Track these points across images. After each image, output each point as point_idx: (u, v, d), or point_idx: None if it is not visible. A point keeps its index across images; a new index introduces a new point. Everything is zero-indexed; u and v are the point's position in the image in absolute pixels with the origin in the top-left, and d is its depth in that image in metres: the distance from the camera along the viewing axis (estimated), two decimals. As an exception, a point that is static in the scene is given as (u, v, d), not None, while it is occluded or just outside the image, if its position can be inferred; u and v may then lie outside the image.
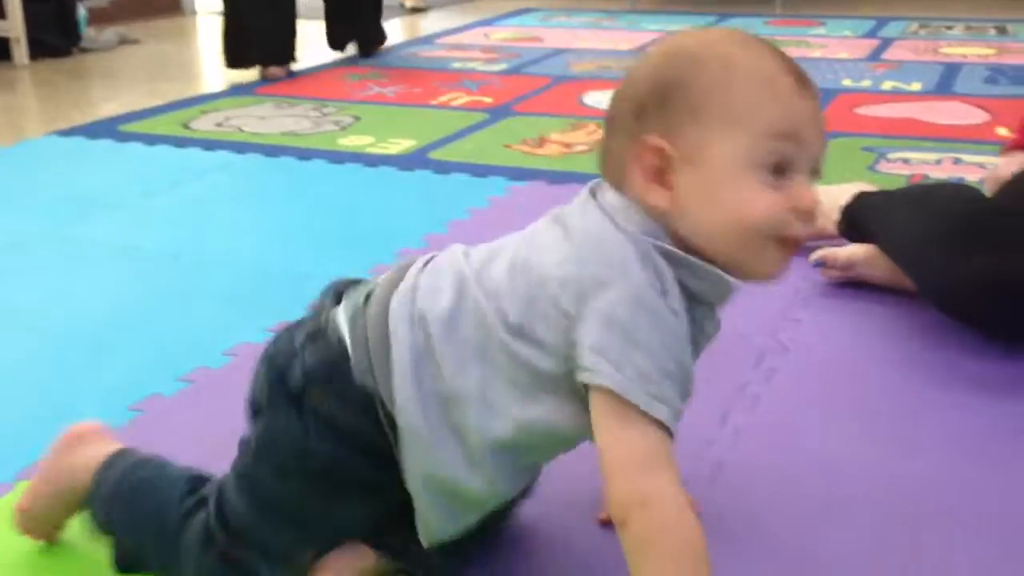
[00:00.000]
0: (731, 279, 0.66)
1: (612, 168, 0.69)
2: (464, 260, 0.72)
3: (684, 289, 0.65)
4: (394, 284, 0.73)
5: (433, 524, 0.72)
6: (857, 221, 1.33)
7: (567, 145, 2.10)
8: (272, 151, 2.09)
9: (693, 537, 0.63)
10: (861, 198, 1.35)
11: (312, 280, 1.47)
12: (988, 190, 1.26)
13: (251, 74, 2.90)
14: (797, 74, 0.67)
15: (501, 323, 0.66)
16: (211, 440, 1.01)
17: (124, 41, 3.60)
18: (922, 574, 0.80)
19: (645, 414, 0.62)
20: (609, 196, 0.68)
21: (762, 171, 0.64)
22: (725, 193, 0.65)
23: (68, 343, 1.25)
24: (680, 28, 3.17)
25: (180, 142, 2.18)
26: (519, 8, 4.28)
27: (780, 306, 1.29)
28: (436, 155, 2.05)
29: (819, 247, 1.36)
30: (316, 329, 0.73)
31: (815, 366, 1.14)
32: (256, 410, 0.76)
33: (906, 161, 1.89)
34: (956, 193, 1.19)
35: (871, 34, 3.41)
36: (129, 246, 1.58)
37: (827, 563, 0.81)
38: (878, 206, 1.30)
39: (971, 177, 1.66)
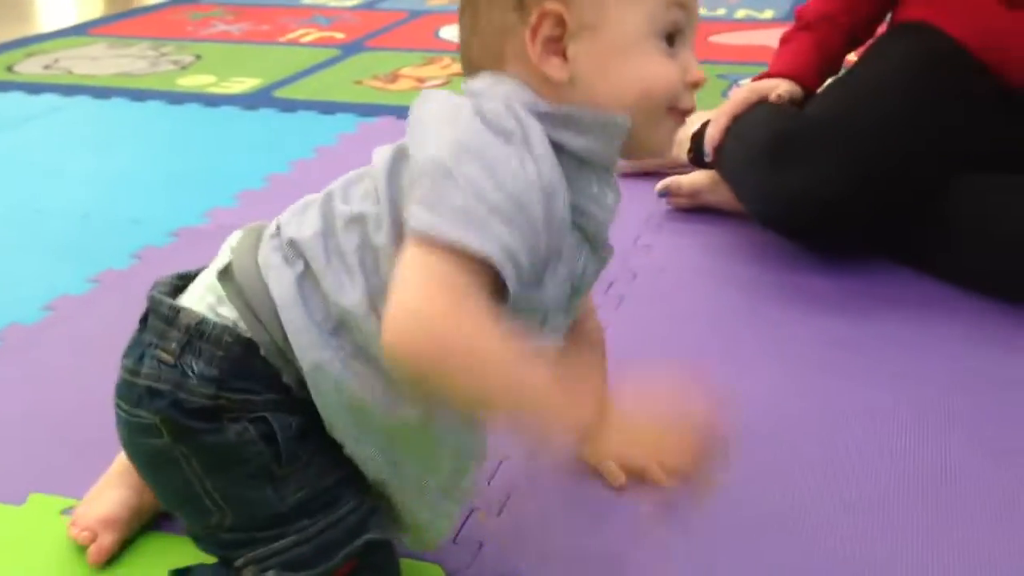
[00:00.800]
0: (622, 119, 0.61)
1: (482, 49, 0.63)
2: (329, 188, 0.65)
3: (570, 153, 0.61)
4: (253, 242, 0.65)
5: (406, 495, 0.65)
6: (703, 150, 1.32)
7: (420, 80, 2.04)
8: (104, 93, 1.95)
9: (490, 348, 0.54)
10: (707, 126, 1.33)
11: (143, 226, 1.39)
12: (712, 128, 1.26)
13: (82, 12, 2.71)
14: None
15: (374, 228, 0.61)
16: (25, 399, 0.93)
17: (-58, -19, 3.31)
18: (770, 483, 0.80)
19: (466, 253, 0.55)
20: (473, 81, 0.63)
21: (660, 39, 0.61)
22: (627, 62, 0.61)
23: None
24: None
25: (2, 87, 2.02)
26: (375, -57, 4.14)
27: (630, 234, 1.27)
28: (282, 93, 1.96)
29: (668, 175, 1.35)
30: (185, 338, 0.63)
31: (662, 291, 1.13)
32: (161, 460, 0.64)
33: (757, 87, 1.90)
34: (767, 113, 1.20)
35: (727, -35, 3.43)
36: (-62, 198, 1.45)
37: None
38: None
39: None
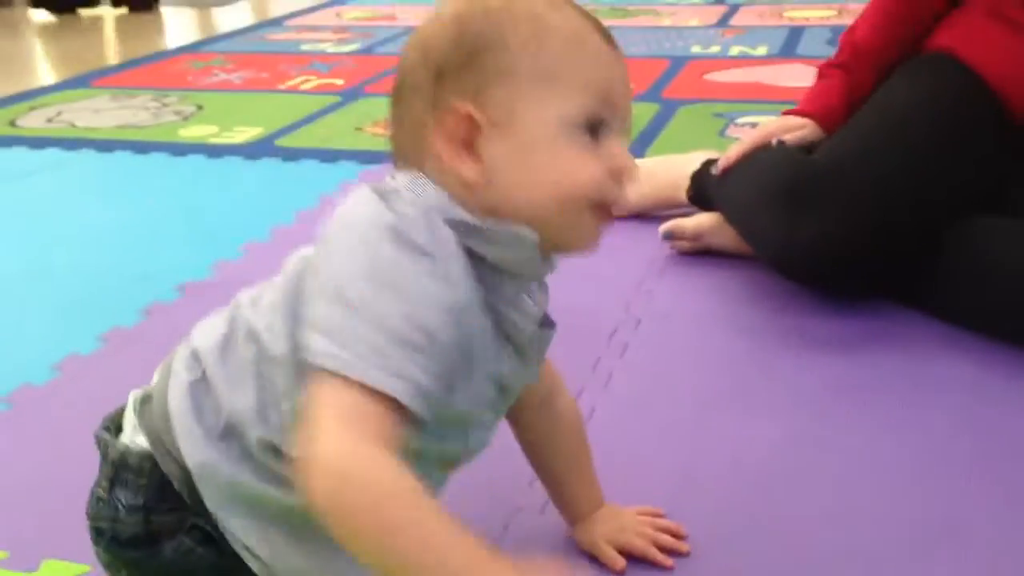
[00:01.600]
0: (529, 233, 0.59)
1: (406, 143, 0.63)
2: (239, 296, 0.66)
3: (486, 263, 0.59)
4: (169, 361, 0.67)
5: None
6: (703, 190, 1.34)
7: (420, 125, 2.06)
8: (107, 146, 1.97)
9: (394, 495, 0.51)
10: (706, 166, 1.35)
11: (150, 281, 1.40)
12: (736, 147, 1.28)
13: (85, 63, 2.73)
14: (603, 31, 0.63)
15: (271, 340, 0.61)
16: (34, 464, 0.94)
17: (-56, 35, 3.35)
18: (777, 532, 0.80)
19: (373, 390, 0.53)
20: (396, 178, 0.61)
21: (579, 133, 0.59)
22: (542, 159, 0.59)
23: None
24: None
25: (5, 141, 2.04)
26: (371, -14, 4.19)
27: (633, 279, 1.28)
28: (284, 142, 1.97)
29: (670, 217, 1.36)
30: (112, 472, 0.65)
31: (667, 338, 1.14)
32: None
33: (753, 125, 1.92)
34: (781, 157, 1.21)
35: (719, 0, 3.47)
36: (-55, 258, 1.46)
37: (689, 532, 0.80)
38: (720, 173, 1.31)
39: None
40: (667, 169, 1.44)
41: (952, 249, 1.10)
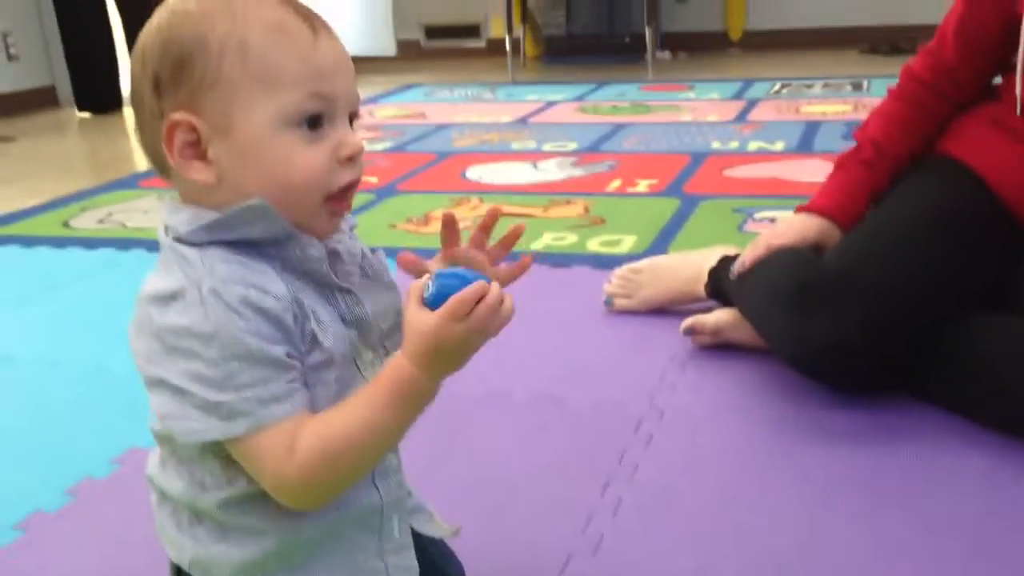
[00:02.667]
0: (256, 201, 0.63)
1: (151, 150, 0.66)
2: None
3: (248, 243, 0.63)
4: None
5: None
6: (720, 285, 1.41)
7: (451, 222, 2.15)
8: (156, 246, 2.07)
9: (339, 437, 0.62)
10: (723, 262, 1.42)
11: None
12: (751, 249, 1.33)
13: (130, 163, 2.88)
14: (311, 19, 0.65)
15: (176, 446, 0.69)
16: (99, 554, 1.00)
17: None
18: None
19: (235, 438, 0.62)
20: (166, 210, 0.67)
21: (296, 128, 0.63)
22: (264, 157, 0.63)
23: (-55, 464, 1.22)
24: (559, 97, 3.27)
25: (60, 242, 2.16)
26: (403, 85, 4.37)
27: (657, 372, 1.34)
28: (322, 240, 2.07)
29: (691, 312, 1.43)
30: None
31: (690, 430, 1.19)
32: None
33: (772, 220, 2.00)
34: (792, 258, 1.28)
35: (738, 96, 3.59)
36: (5, 356, 1.55)
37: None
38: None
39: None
40: (687, 265, 1.51)
41: (957, 346, 1.16)
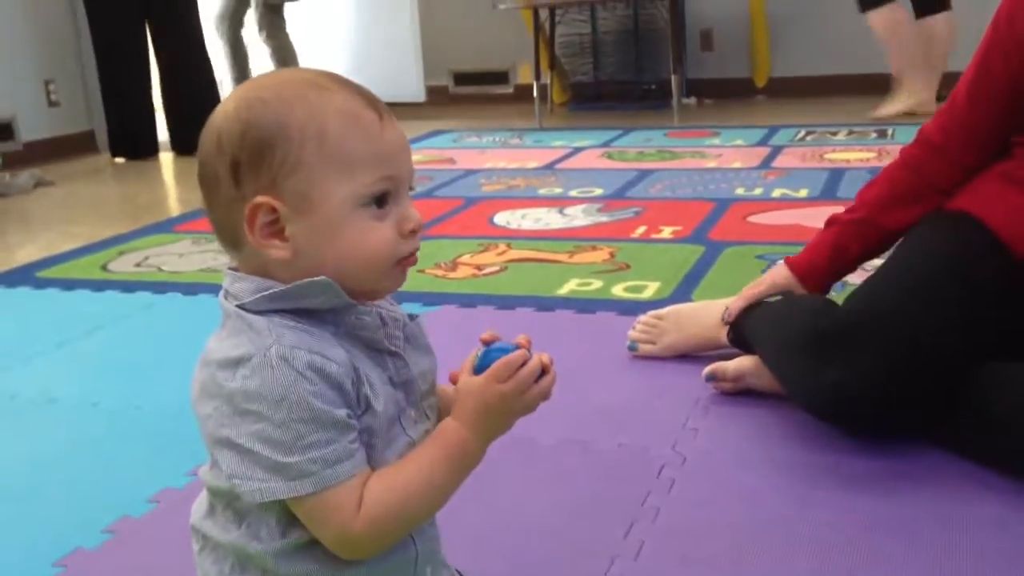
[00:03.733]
0: (322, 279, 0.68)
1: (224, 225, 0.71)
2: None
3: (308, 313, 0.68)
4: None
5: None
6: (741, 332, 1.44)
7: (478, 267, 2.20)
8: (191, 289, 2.14)
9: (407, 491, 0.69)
10: (745, 311, 1.45)
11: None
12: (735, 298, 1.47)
13: (166, 210, 2.95)
14: (377, 106, 0.71)
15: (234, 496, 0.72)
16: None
17: (39, 183, 3.64)
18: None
19: (298, 498, 0.66)
20: (228, 279, 0.71)
21: (367, 207, 0.69)
22: (339, 234, 0.68)
23: (-11, 501, 1.27)
24: (585, 144, 3.31)
25: (99, 285, 2.22)
26: (432, 130, 4.44)
27: (680, 418, 1.37)
28: (352, 285, 2.12)
29: (713, 359, 1.46)
30: None
31: (710, 474, 1.22)
32: None
33: (795, 266, 2.02)
34: (807, 306, 1.31)
35: (762, 142, 3.63)
36: (47, 397, 1.60)
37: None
38: (755, 319, 1.41)
39: (854, 279, 1.79)
40: (710, 313, 1.54)
41: (972, 396, 1.17)
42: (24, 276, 2.34)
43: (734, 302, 1.47)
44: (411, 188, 0.73)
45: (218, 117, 0.70)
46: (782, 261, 1.47)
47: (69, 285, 2.24)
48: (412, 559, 0.75)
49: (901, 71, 3.93)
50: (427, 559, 0.77)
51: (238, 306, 0.69)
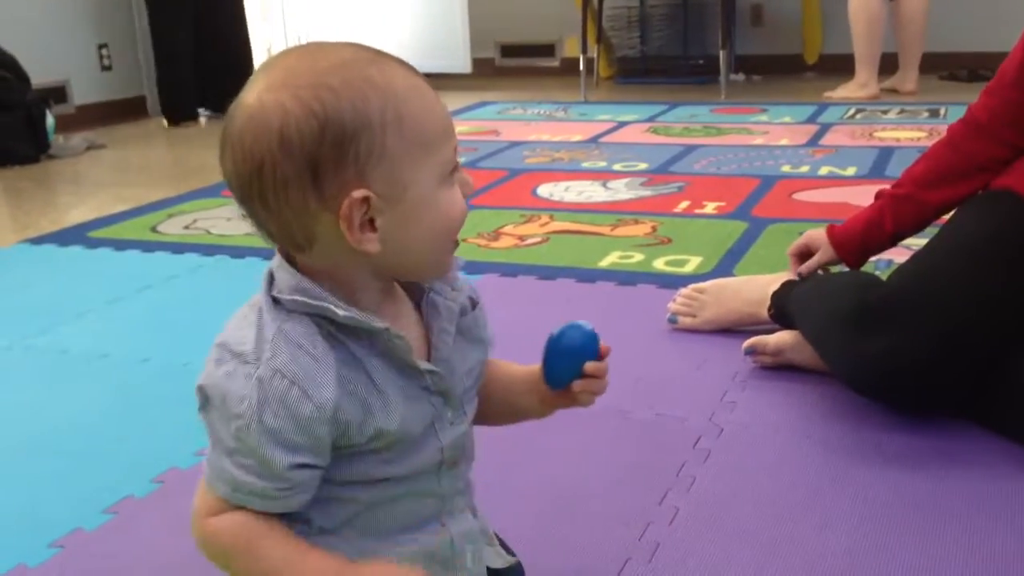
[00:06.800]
0: (379, 324, 0.68)
1: (293, 239, 0.68)
2: None
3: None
4: None
5: None
6: (783, 308, 1.44)
7: (520, 238, 2.21)
8: (239, 252, 2.17)
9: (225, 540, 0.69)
10: (786, 286, 1.45)
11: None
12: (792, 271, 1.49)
13: (215, 175, 2.99)
14: (423, 77, 0.69)
15: None
16: (185, 537, 1.07)
17: (91, 147, 3.70)
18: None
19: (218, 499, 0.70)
20: (275, 261, 0.72)
21: (448, 179, 0.69)
22: (428, 212, 0.67)
23: (40, 451, 1.31)
24: (630, 118, 3.28)
25: (149, 247, 2.27)
26: (477, 101, 4.45)
27: (718, 390, 1.37)
28: (396, 252, 2.14)
29: (753, 333, 1.46)
30: None
31: (747, 447, 1.22)
32: None
33: (839, 245, 2.01)
34: (853, 280, 1.31)
35: (811, 120, 3.59)
36: (98, 353, 1.64)
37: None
38: (798, 295, 1.41)
39: (897, 258, 1.78)
40: (751, 287, 1.54)
41: (1012, 371, 1.17)
42: (76, 236, 2.40)
43: (807, 265, 1.48)
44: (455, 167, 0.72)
45: (273, 114, 0.64)
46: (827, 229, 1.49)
47: (120, 245, 2.29)
48: (447, 542, 0.76)
49: (861, 58, 4.01)
50: (466, 539, 0.78)
51: (273, 297, 0.69)
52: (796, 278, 1.48)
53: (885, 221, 1.39)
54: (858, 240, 1.42)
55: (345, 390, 0.68)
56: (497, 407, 0.85)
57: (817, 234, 1.48)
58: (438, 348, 0.74)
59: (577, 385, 0.79)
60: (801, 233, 1.86)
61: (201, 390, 0.69)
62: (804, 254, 1.50)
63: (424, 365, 0.72)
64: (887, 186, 1.44)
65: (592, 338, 0.79)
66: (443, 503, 0.77)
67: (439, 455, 0.75)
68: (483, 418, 0.83)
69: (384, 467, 0.72)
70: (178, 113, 4.19)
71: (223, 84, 4.08)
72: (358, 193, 0.64)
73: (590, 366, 0.79)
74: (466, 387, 0.77)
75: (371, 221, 0.66)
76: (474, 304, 0.78)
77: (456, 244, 0.71)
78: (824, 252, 1.45)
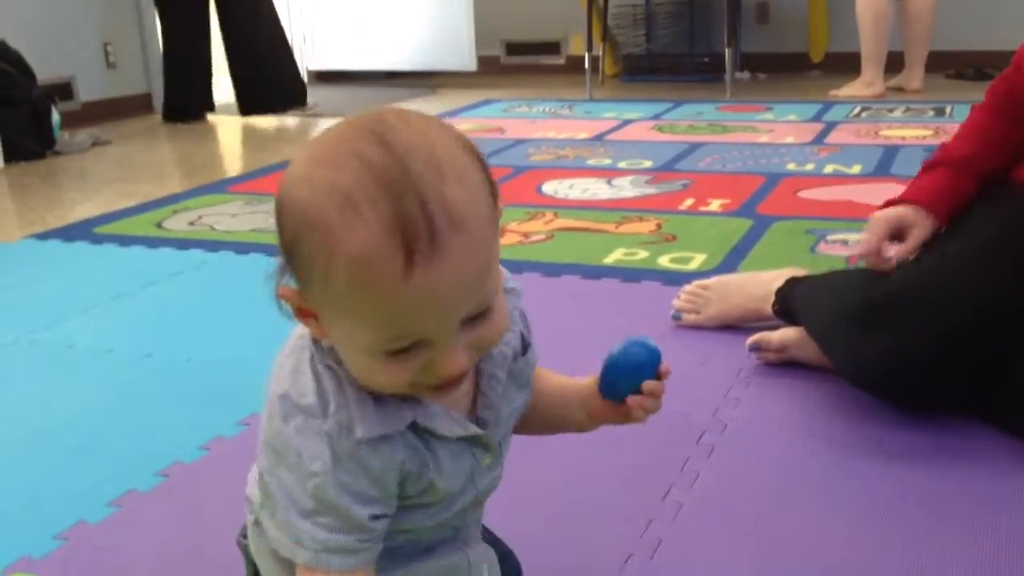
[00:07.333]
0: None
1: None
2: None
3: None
4: None
5: None
6: (787, 305, 1.43)
7: (525, 235, 2.21)
8: (243, 248, 2.18)
9: None
10: (790, 283, 1.45)
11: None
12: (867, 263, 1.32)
13: (220, 171, 3.00)
14: (412, 242, 0.55)
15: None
16: (188, 530, 1.07)
17: (96, 143, 3.71)
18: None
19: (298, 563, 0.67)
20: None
21: (379, 353, 0.60)
22: (351, 359, 0.63)
23: (45, 444, 1.31)
24: (636, 116, 3.28)
25: (154, 242, 2.27)
26: (483, 99, 4.45)
27: (722, 386, 1.37)
28: (400, 248, 2.14)
29: (758, 330, 1.46)
30: (253, 572, 0.80)
31: (751, 443, 1.22)
32: None
33: (844, 243, 2.01)
34: (858, 277, 1.30)
35: (816, 118, 3.58)
36: (103, 348, 1.64)
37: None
38: (802, 291, 1.41)
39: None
40: (755, 284, 1.54)
41: (1018, 371, 1.17)
42: (82, 231, 2.40)
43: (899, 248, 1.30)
44: (479, 314, 0.61)
45: (281, 201, 0.61)
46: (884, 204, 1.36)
47: (125, 241, 2.29)
48: (465, 560, 0.76)
49: (867, 56, 4.00)
50: (483, 559, 0.78)
51: (324, 347, 0.65)
52: (884, 268, 1.29)
53: (967, 185, 1.31)
54: (948, 205, 1.31)
55: (405, 442, 0.67)
56: (542, 419, 0.83)
57: (900, 214, 1.31)
58: (487, 395, 0.71)
59: (633, 400, 0.79)
60: (809, 231, 1.85)
61: (271, 448, 0.66)
62: (893, 238, 1.32)
63: (472, 430, 0.70)
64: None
65: (655, 355, 0.79)
66: (461, 531, 0.78)
67: (473, 499, 0.75)
68: (523, 428, 0.82)
69: (428, 519, 0.72)
70: (185, 113, 4.18)
71: (255, 78, 4.16)
72: (281, 291, 0.63)
73: (648, 385, 0.79)
74: (506, 431, 0.76)
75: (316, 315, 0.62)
76: (525, 347, 0.75)
77: (433, 393, 0.64)
78: (922, 227, 1.30)
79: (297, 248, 0.59)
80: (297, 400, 0.65)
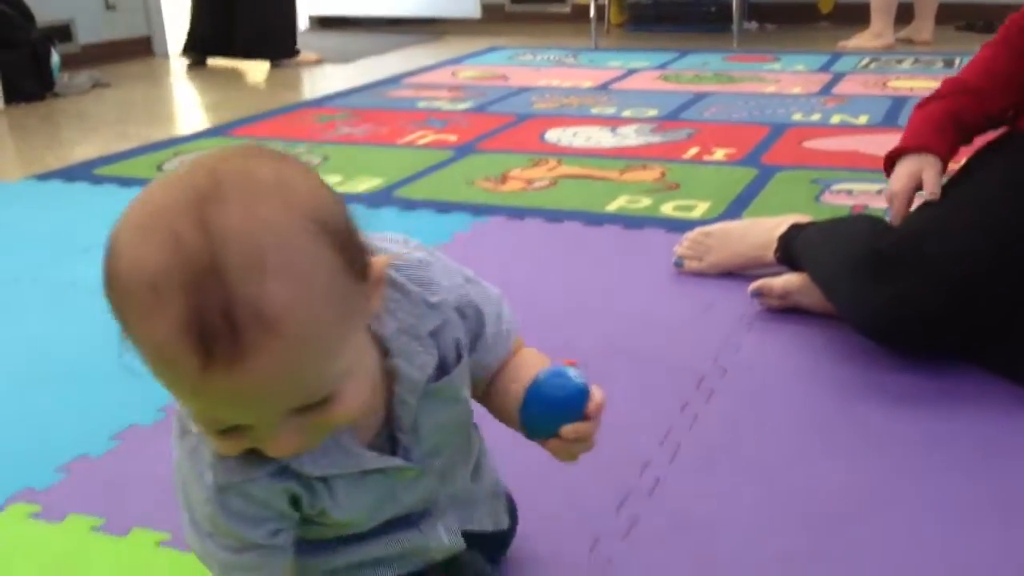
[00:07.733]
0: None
1: None
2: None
3: None
4: None
5: None
6: (790, 251, 1.43)
7: (528, 181, 2.19)
8: (244, 191, 2.16)
9: None
10: (793, 229, 1.44)
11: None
12: (892, 210, 1.32)
13: (221, 115, 2.97)
14: (211, 345, 0.51)
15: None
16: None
17: (96, 84, 3.67)
18: (851, 567, 0.88)
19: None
20: None
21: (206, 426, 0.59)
22: None
23: (47, 380, 1.32)
24: (641, 65, 3.24)
25: (154, 184, 2.25)
26: (487, 47, 4.40)
27: (723, 332, 1.37)
28: (402, 193, 2.14)
29: (760, 276, 1.45)
30: None
31: (751, 387, 1.22)
32: None
33: (849, 192, 2.00)
34: (865, 225, 1.29)
35: (824, 68, 3.54)
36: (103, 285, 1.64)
37: (765, 563, 0.89)
38: (806, 238, 1.40)
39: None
40: (758, 230, 1.53)
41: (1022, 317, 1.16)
42: (82, 172, 2.39)
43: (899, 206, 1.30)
44: (316, 402, 0.57)
45: (114, 228, 0.58)
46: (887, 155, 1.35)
47: (126, 182, 2.28)
48: (420, 537, 0.75)
49: (877, 7, 3.96)
50: (439, 518, 0.76)
51: None
52: (901, 215, 1.30)
53: (963, 112, 1.30)
54: (951, 138, 1.30)
55: (289, 473, 0.65)
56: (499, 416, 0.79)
57: (912, 164, 1.31)
58: (400, 417, 0.67)
59: (554, 445, 0.70)
60: (814, 181, 1.82)
61: (176, 469, 0.68)
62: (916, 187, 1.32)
63: (368, 464, 0.67)
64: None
65: (578, 394, 0.66)
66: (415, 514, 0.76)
67: (403, 511, 0.73)
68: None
69: (355, 529, 0.72)
70: (203, 52, 4.13)
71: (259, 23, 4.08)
72: None
73: (568, 429, 0.67)
74: (434, 443, 0.71)
75: None
76: (459, 356, 0.69)
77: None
78: (933, 166, 1.29)
79: (117, 310, 0.55)
80: (187, 422, 0.65)
